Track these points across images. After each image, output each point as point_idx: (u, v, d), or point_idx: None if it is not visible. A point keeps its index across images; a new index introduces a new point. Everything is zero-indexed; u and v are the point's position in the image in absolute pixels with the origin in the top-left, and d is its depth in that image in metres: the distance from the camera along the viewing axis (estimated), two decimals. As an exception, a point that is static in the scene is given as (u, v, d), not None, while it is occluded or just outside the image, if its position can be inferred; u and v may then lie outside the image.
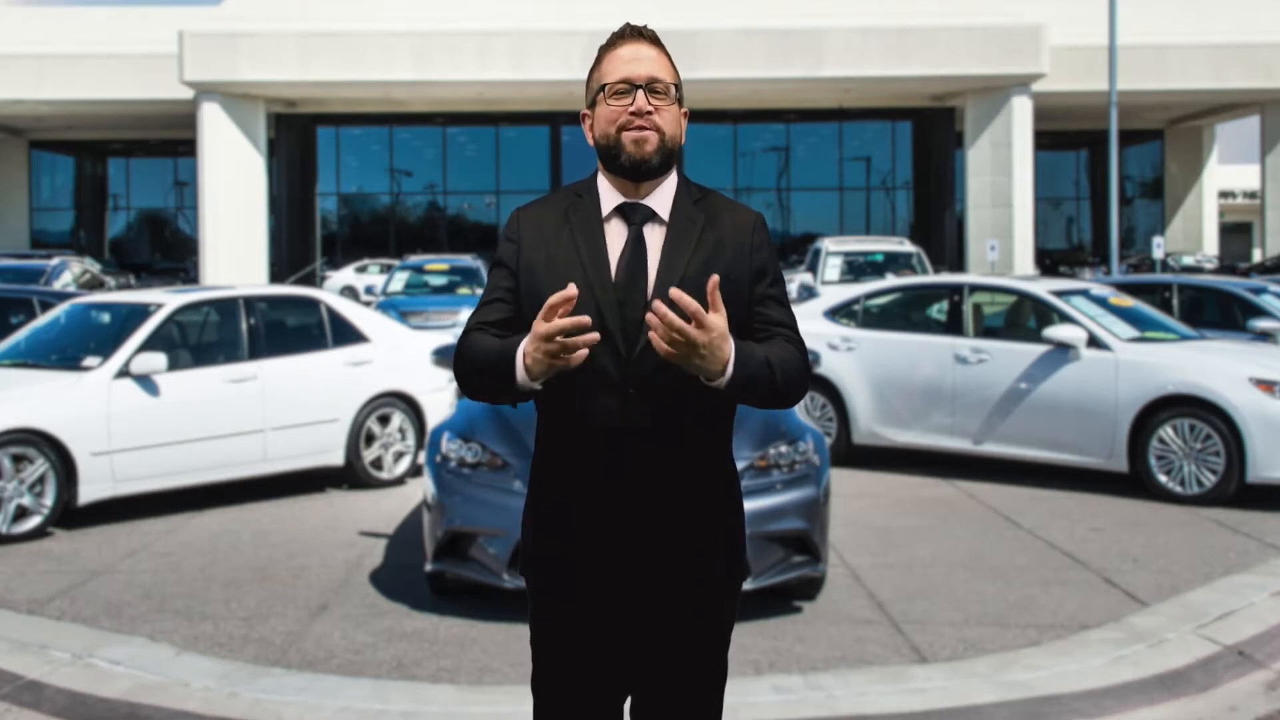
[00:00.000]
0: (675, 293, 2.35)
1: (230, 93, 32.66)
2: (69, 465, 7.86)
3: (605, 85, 2.57)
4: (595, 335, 2.37)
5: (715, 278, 2.40)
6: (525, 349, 2.42)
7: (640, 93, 2.54)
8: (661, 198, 2.60)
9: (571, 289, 2.36)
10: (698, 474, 2.56)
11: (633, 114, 2.53)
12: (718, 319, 2.38)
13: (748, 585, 5.72)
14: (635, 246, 2.55)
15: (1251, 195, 52.02)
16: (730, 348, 2.41)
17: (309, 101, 36.79)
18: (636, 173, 2.55)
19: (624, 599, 2.56)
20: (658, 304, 2.34)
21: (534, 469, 2.65)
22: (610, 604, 2.56)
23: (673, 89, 2.58)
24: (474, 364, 2.55)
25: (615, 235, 2.57)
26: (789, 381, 2.52)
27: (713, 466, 2.60)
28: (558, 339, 2.35)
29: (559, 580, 2.59)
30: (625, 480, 2.51)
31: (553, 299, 2.35)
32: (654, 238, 2.57)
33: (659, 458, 2.52)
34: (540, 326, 2.36)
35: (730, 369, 2.41)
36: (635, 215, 2.58)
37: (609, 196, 2.60)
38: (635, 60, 2.56)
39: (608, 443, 2.50)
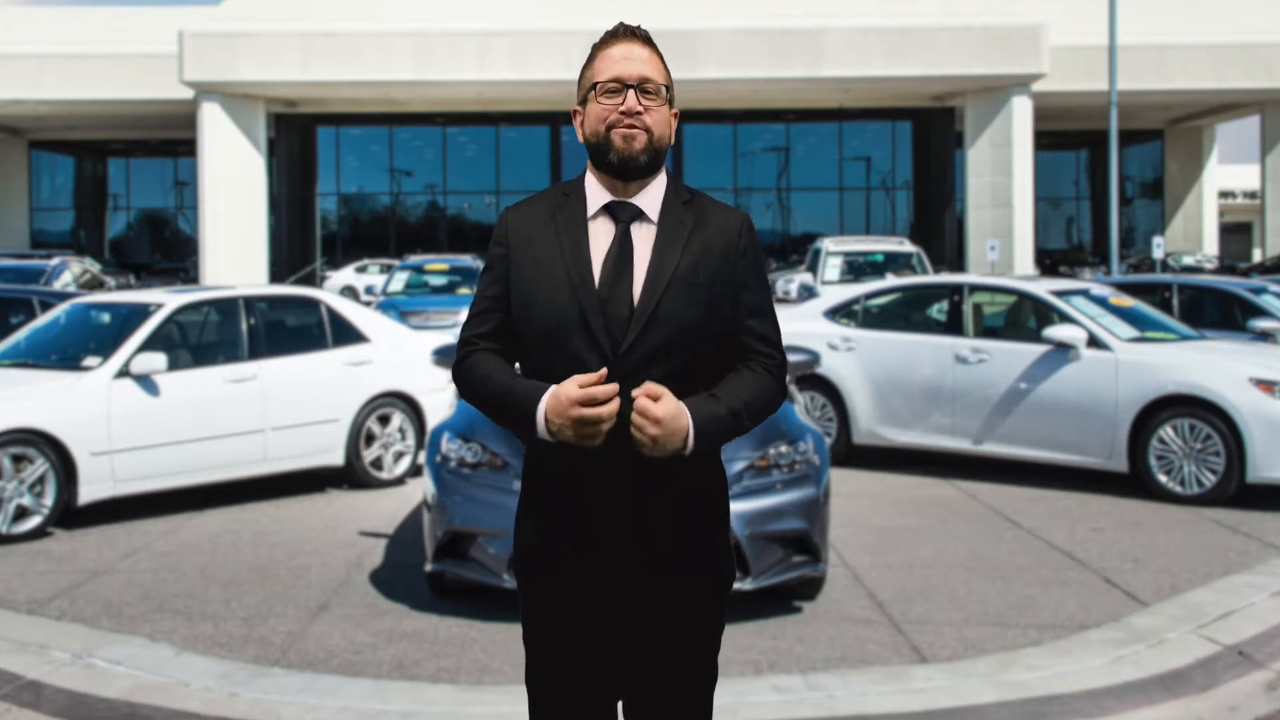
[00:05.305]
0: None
1: (230, 93, 32.67)
2: (69, 465, 7.86)
3: (597, 84, 2.57)
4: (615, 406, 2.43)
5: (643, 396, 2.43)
6: (549, 412, 2.45)
7: (631, 92, 2.55)
8: (649, 197, 2.60)
9: (609, 388, 2.43)
10: (686, 471, 2.56)
11: (623, 113, 2.54)
12: (656, 406, 2.42)
13: (748, 585, 5.72)
14: (621, 244, 2.55)
15: (1251, 195, 52.02)
16: (687, 420, 2.44)
17: (309, 101, 36.81)
18: (624, 170, 2.56)
19: (614, 598, 2.56)
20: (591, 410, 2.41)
21: (525, 468, 2.66)
22: (601, 603, 2.57)
23: (664, 90, 2.58)
24: (481, 394, 2.58)
25: (602, 233, 2.58)
26: (758, 416, 2.58)
27: (701, 464, 2.59)
28: (595, 427, 2.42)
29: (550, 579, 2.59)
30: (614, 478, 2.51)
31: (595, 391, 2.41)
32: (641, 237, 2.57)
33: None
34: (580, 411, 2.41)
35: (691, 441, 2.46)
36: (622, 214, 2.58)
37: (597, 195, 2.60)
38: (627, 60, 2.57)
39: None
